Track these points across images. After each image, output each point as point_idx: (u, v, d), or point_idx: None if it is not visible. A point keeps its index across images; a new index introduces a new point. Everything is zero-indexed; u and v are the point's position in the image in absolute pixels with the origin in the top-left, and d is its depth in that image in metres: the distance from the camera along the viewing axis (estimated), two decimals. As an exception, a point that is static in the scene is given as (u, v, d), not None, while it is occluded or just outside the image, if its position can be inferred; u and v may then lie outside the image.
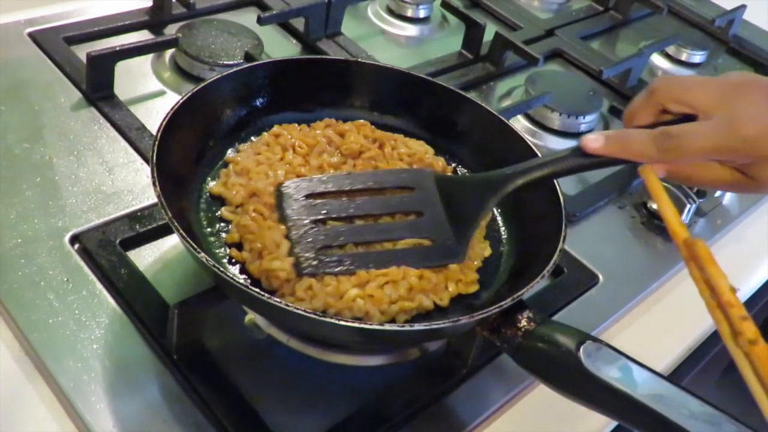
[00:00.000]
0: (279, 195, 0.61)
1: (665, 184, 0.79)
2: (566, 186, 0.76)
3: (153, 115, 0.80)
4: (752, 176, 0.53)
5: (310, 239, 0.58)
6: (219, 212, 0.62)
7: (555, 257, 0.56)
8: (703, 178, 0.55)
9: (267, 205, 0.61)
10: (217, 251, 0.59)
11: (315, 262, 0.57)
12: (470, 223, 0.60)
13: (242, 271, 0.58)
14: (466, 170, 0.71)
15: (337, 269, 0.57)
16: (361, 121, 0.71)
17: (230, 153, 0.67)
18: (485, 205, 0.60)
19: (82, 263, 0.63)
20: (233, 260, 0.58)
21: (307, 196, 0.61)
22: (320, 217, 0.60)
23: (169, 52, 0.89)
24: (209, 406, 0.55)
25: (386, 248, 0.59)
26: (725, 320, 0.47)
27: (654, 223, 0.82)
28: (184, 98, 0.61)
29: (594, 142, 0.54)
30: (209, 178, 0.64)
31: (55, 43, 0.85)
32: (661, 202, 0.54)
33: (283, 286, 0.56)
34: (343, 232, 0.59)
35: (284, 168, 0.64)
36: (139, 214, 0.68)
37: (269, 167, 0.64)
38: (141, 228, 0.66)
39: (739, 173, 0.54)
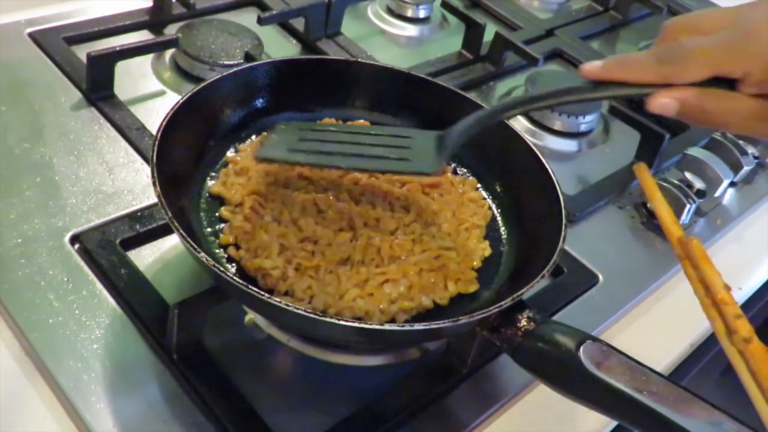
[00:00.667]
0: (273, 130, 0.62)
1: (661, 183, 0.80)
2: (566, 186, 0.76)
3: (153, 115, 0.80)
4: None
5: (284, 142, 0.59)
6: (219, 212, 0.62)
7: (555, 257, 0.56)
8: (721, 112, 0.49)
9: (264, 203, 0.61)
10: (217, 251, 0.59)
11: (276, 152, 0.57)
12: (451, 143, 0.58)
13: (239, 270, 0.58)
14: (466, 170, 0.71)
15: (299, 157, 0.57)
16: (361, 121, 0.71)
17: (230, 153, 0.67)
18: (473, 130, 0.58)
19: (82, 263, 0.63)
20: (231, 259, 0.58)
21: (300, 129, 0.62)
22: (305, 136, 0.60)
23: (169, 52, 0.89)
24: (209, 406, 0.55)
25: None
26: (720, 318, 0.47)
27: (654, 223, 0.82)
28: (184, 98, 0.61)
29: (593, 65, 0.51)
30: (209, 178, 0.64)
31: (55, 43, 0.85)
32: (655, 201, 0.53)
33: (278, 283, 0.56)
34: (322, 139, 0.59)
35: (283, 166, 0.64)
36: (139, 214, 0.68)
37: (268, 166, 0.64)
38: (141, 228, 0.66)
39: (764, 100, 0.48)
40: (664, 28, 0.52)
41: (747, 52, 0.47)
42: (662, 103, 0.49)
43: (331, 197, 0.62)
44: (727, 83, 0.48)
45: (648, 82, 0.49)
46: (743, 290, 0.81)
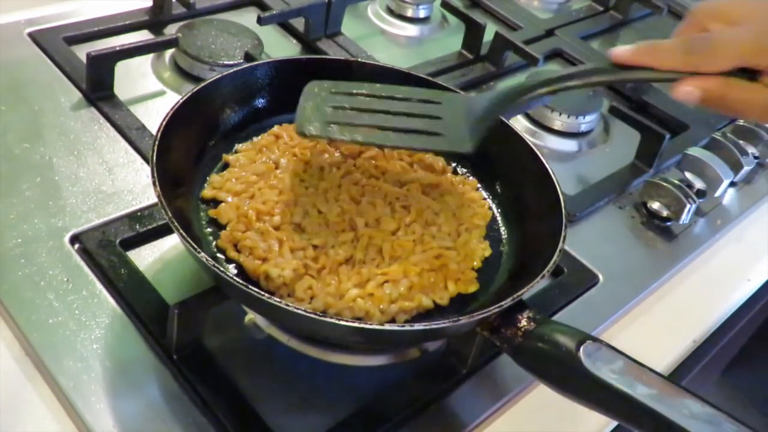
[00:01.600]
0: (304, 93, 0.62)
1: (661, 182, 0.79)
2: (566, 186, 0.76)
3: (153, 115, 0.80)
4: None
5: (320, 113, 0.59)
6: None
7: (555, 257, 0.56)
8: (742, 101, 0.51)
9: (263, 211, 0.61)
10: (217, 251, 0.59)
11: (318, 126, 0.58)
12: (485, 120, 0.59)
13: (239, 270, 0.58)
14: (465, 170, 0.71)
15: (339, 135, 0.58)
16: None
17: (229, 153, 0.67)
18: (503, 107, 0.59)
19: (82, 263, 0.63)
20: (230, 259, 0.58)
21: (332, 92, 0.62)
22: (337, 104, 0.60)
23: (169, 52, 0.89)
24: (209, 406, 0.55)
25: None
26: None
27: (654, 223, 0.82)
28: (184, 98, 0.61)
29: (623, 51, 0.53)
30: (209, 178, 0.64)
31: (55, 43, 0.85)
32: None
33: (280, 288, 0.56)
34: (355, 108, 0.60)
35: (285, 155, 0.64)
36: (139, 214, 0.68)
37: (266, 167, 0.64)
38: (141, 228, 0.66)
39: None
40: (690, 14, 0.54)
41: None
42: (686, 90, 0.51)
43: (331, 198, 0.63)
44: (750, 74, 0.50)
45: (675, 69, 0.51)
46: (743, 290, 0.81)
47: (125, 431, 0.53)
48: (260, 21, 0.91)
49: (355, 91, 0.62)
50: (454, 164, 0.71)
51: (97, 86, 0.79)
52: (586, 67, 0.56)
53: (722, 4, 0.53)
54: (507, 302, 0.53)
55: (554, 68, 1.05)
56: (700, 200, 0.82)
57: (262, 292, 0.50)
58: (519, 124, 0.92)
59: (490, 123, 0.59)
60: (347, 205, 0.62)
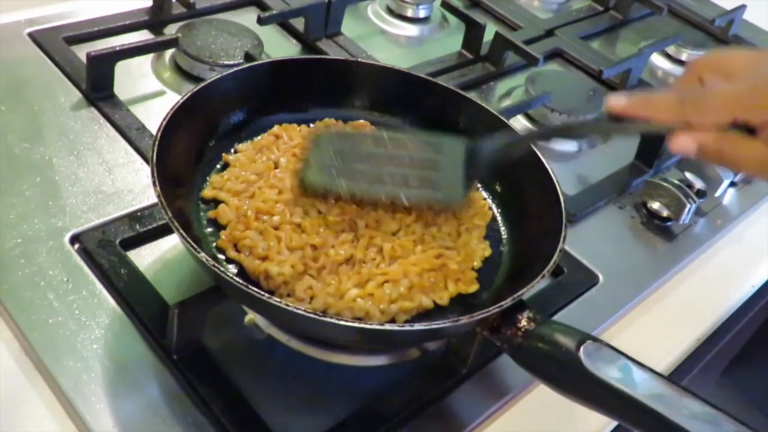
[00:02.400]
0: (309, 140, 0.65)
1: (661, 182, 0.79)
2: (566, 186, 0.76)
3: (153, 115, 0.80)
4: None
5: (320, 166, 0.62)
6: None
7: (555, 257, 0.56)
8: (738, 157, 0.50)
9: (263, 209, 0.61)
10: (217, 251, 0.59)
11: (318, 178, 0.60)
12: (482, 169, 0.62)
13: (239, 269, 0.58)
14: (466, 170, 0.71)
15: (334, 186, 0.60)
16: (361, 121, 0.71)
17: (229, 153, 0.67)
18: (500, 157, 0.62)
19: (82, 263, 0.63)
20: (231, 259, 0.58)
21: (337, 140, 0.64)
22: (341, 153, 0.63)
23: (169, 52, 0.89)
24: (209, 406, 0.55)
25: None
26: None
27: (654, 223, 0.82)
28: (184, 98, 0.61)
29: (618, 101, 0.53)
30: (209, 178, 0.64)
31: (55, 43, 0.85)
32: None
33: (280, 287, 0.56)
34: (352, 161, 0.62)
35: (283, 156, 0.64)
36: (139, 214, 0.68)
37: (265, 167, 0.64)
38: (141, 228, 0.66)
39: None
40: (689, 66, 0.55)
41: (764, 102, 0.48)
42: (681, 143, 0.51)
43: (332, 200, 0.63)
44: (747, 129, 0.49)
45: (668, 121, 0.51)
46: (742, 290, 0.81)
47: (125, 431, 0.53)
48: (260, 21, 0.91)
49: (359, 140, 0.64)
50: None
51: (97, 86, 0.79)
52: (582, 121, 0.57)
53: (721, 56, 0.53)
54: (507, 302, 0.53)
55: (554, 68, 1.05)
56: (700, 200, 0.82)
57: (262, 292, 0.50)
58: (519, 124, 0.92)
59: (485, 172, 0.63)
60: (347, 206, 0.62)
